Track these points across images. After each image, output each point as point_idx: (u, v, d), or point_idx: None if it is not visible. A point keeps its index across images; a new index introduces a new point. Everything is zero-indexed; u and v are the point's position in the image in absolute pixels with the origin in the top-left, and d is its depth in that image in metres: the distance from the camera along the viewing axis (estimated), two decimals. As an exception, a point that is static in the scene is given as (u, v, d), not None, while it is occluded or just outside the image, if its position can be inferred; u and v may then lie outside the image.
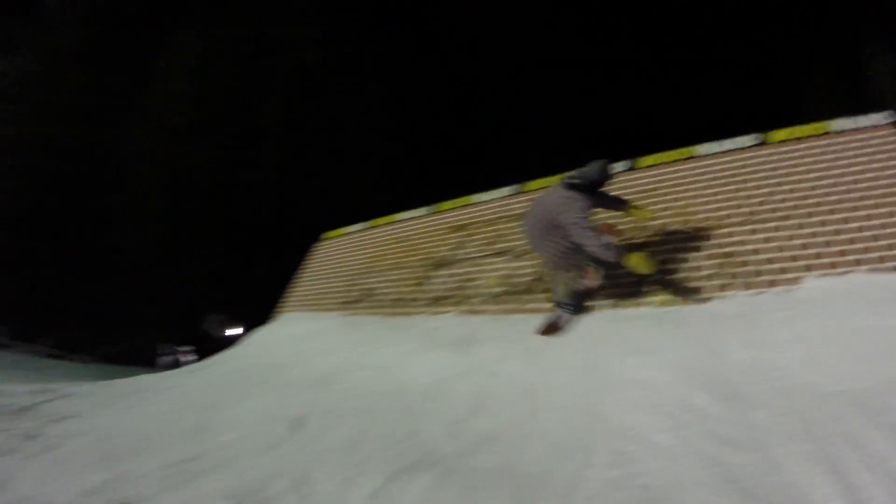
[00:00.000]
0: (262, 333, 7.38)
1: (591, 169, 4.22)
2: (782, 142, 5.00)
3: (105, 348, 17.91)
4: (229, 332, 23.88)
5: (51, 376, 11.27)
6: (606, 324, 4.38)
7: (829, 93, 23.72)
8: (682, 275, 4.55)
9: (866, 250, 3.96)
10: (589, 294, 4.78)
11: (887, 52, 22.04)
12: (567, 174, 4.35)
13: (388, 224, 7.84)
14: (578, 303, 4.66)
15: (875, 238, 3.99)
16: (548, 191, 4.47)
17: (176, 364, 21.01)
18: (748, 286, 4.19)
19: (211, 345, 22.36)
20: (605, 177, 4.27)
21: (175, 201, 18.19)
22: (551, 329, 4.59)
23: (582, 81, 19.55)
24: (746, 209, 4.69)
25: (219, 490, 2.89)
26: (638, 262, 3.95)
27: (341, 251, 8.24)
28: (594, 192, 4.26)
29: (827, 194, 4.44)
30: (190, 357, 21.91)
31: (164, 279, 17.51)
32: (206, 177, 18.73)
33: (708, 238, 4.68)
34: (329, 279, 7.87)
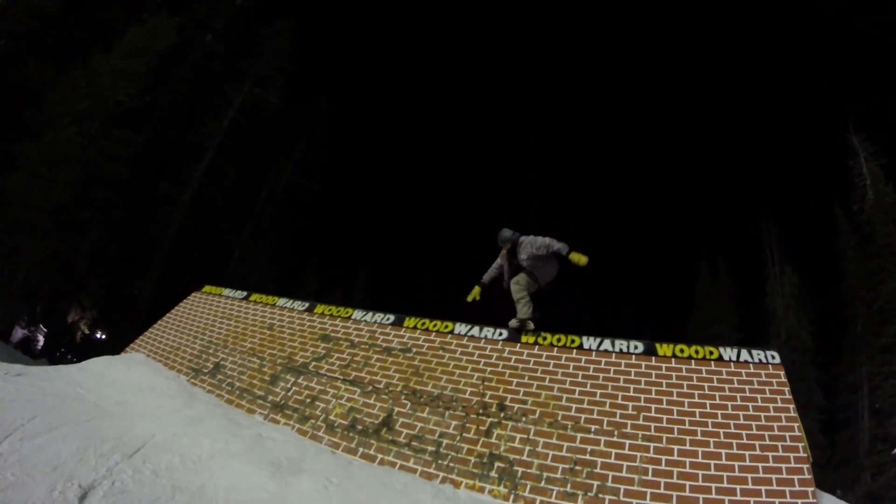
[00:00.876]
0: (101, 364, 6.51)
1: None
2: (669, 356, 4.86)
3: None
4: (94, 334, 22.47)
5: None
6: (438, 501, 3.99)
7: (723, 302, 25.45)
8: (529, 470, 4.21)
9: (717, 491, 3.78)
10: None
11: (787, 271, 24.08)
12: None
13: (264, 304, 7.27)
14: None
15: (728, 480, 3.83)
16: None
17: (26, 341, 19.59)
18: (594, 502, 3.88)
19: (66, 339, 21.00)
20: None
21: (88, 186, 17.03)
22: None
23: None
24: (615, 417, 4.44)
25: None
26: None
27: (211, 312, 7.55)
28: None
29: (699, 422, 4.29)
30: (41, 340, 20.50)
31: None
32: (130, 167, 17.86)
33: (567, 437, 4.39)
34: (188, 336, 7.13)
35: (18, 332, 19.19)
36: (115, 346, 8.00)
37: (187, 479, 3.96)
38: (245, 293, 7.68)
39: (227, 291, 7.91)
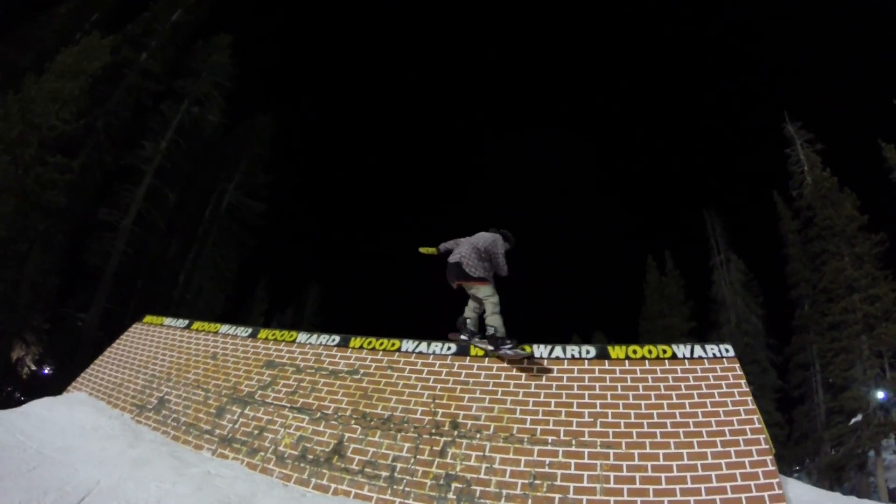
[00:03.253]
0: (43, 407, 6.13)
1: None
2: (622, 359, 4.81)
3: None
4: (41, 369, 21.45)
5: None
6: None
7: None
8: (488, 489, 4.08)
9: (682, 493, 3.73)
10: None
11: (733, 259, 24.99)
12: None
13: (206, 332, 6.95)
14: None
15: (692, 480, 3.79)
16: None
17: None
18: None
19: (12, 378, 19.99)
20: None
21: (24, 216, 16.25)
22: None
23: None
24: (572, 426, 4.35)
25: None
26: None
27: (153, 343, 7.17)
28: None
29: (658, 424, 4.25)
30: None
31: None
32: (68, 195, 17.16)
33: (523, 451, 4.27)
34: (131, 370, 6.75)
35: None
36: (62, 381, 7.57)
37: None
38: (187, 321, 7.35)
39: (168, 321, 7.54)
